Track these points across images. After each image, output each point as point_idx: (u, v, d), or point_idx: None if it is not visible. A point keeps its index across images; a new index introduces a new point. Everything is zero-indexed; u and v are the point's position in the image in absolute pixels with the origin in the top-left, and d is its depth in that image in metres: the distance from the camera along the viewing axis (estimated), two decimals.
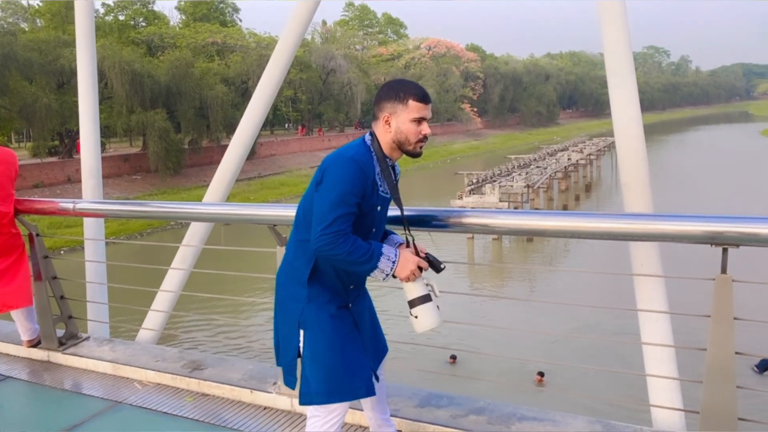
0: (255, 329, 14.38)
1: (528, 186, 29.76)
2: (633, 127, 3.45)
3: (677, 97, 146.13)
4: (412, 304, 2.16)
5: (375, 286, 2.46)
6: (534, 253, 23.87)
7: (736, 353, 2.17)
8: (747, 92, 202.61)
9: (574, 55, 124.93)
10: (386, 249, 2.12)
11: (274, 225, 3.10)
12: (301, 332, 2.16)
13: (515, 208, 25.96)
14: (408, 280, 2.14)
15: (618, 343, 11.94)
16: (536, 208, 30.00)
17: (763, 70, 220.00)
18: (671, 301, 3.20)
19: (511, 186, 28.81)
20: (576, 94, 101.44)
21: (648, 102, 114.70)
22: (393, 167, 2.26)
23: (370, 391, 2.17)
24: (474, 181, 31.22)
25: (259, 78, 5.13)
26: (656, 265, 3.14)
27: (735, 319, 2.16)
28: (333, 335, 2.15)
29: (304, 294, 2.17)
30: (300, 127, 55.71)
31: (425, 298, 2.15)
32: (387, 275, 2.10)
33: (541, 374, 11.76)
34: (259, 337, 13.51)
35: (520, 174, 33.43)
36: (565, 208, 31.67)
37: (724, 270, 2.19)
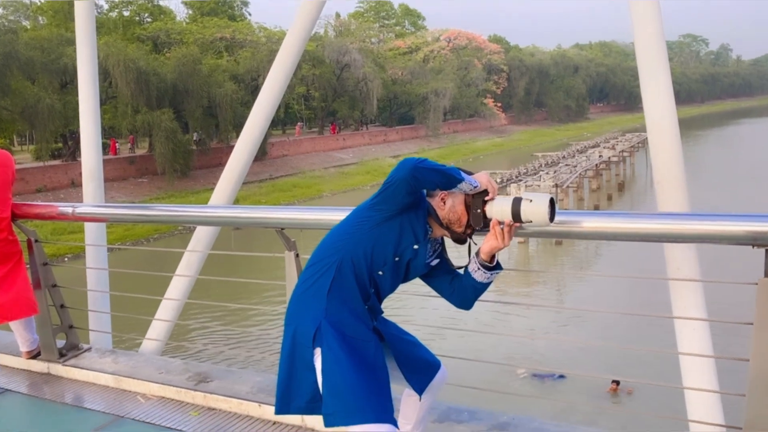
0: (264, 339, 14.43)
1: (556, 185, 29.55)
2: (667, 121, 3.39)
3: (717, 89, 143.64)
4: (516, 209, 2.13)
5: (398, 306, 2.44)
6: (563, 256, 23.68)
7: None
8: None
9: (605, 45, 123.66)
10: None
11: (282, 228, 3.10)
12: (317, 350, 2.14)
13: None
14: (490, 183, 2.17)
15: (653, 353, 11.77)
16: (565, 209, 29.67)
17: None
18: (710, 308, 3.14)
19: (539, 185, 28.63)
20: (607, 86, 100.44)
21: (685, 94, 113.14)
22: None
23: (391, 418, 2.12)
24: (498, 180, 31.08)
25: None
26: (693, 269, 3.08)
27: None
28: (352, 352, 2.12)
29: (322, 308, 2.16)
30: (297, 125, 55.81)
31: (518, 200, 2.14)
32: (475, 186, 2.15)
33: (617, 382, 11.68)
34: (268, 347, 13.56)
35: (547, 172, 33.22)
36: (596, 208, 31.37)
37: (767, 273, 2.13)
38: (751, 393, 2.14)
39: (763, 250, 2.13)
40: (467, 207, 2.20)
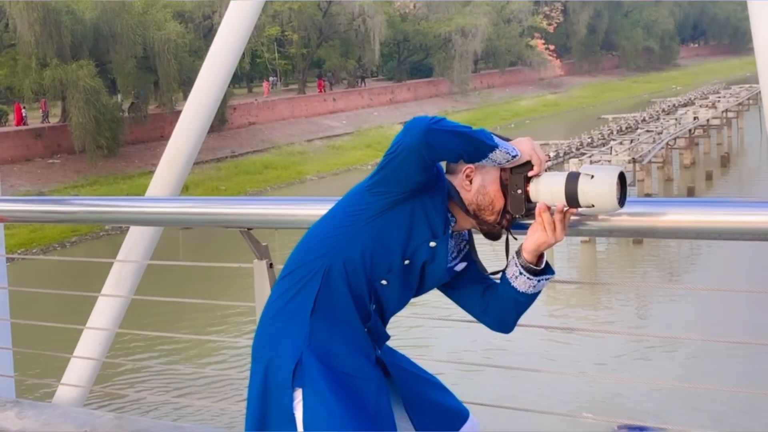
0: (227, 382, 14.47)
1: (634, 160, 29.43)
2: None
3: None
4: (572, 189, 2.09)
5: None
6: (644, 261, 23.60)
7: None
8: None
9: None
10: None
11: (249, 229, 3.10)
12: (298, 393, 2.14)
13: None
14: (535, 152, 2.12)
15: None
16: (648, 194, 29.72)
17: None
18: None
19: (609, 161, 28.52)
20: (704, 19, 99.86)
21: None
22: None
23: None
24: (552, 154, 31.04)
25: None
26: None
27: None
28: (346, 394, 2.13)
29: (304, 334, 2.16)
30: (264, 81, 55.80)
31: (574, 176, 2.10)
32: (513, 156, 2.10)
33: None
34: (232, 393, 13.59)
35: (621, 143, 33.10)
36: (690, 192, 31.29)
37: None
38: None
39: None
40: (503, 187, 2.17)
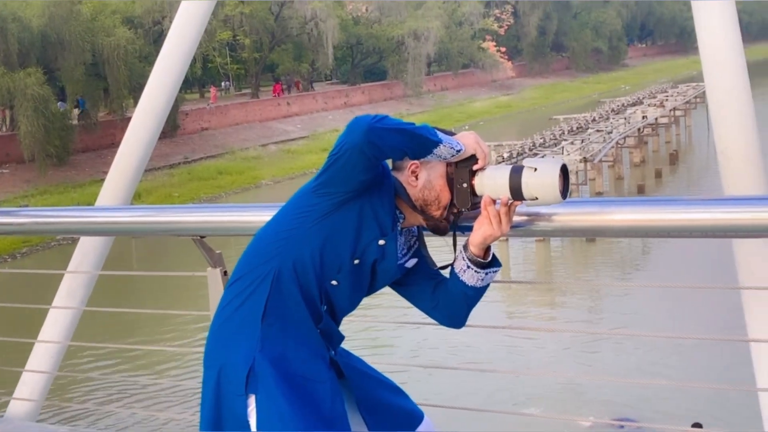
0: (180, 390, 14.33)
1: (585, 160, 29.80)
2: (732, 66, 3.45)
3: None
4: (516, 182, 2.10)
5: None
6: (598, 258, 23.89)
7: None
8: None
9: None
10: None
11: (202, 236, 3.07)
12: (251, 399, 2.13)
13: None
14: (479, 146, 2.14)
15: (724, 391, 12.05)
16: (599, 192, 30.13)
17: None
18: None
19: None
20: (651, 20, 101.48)
21: (758, 27, 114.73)
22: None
23: None
24: (506, 155, 31.29)
25: None
26: None
27: None
28: (299, 398, 2.11)
29: (256, 338, 2.14)
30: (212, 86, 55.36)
31: (518, 169, 2.12)
32: (458, 150, 2.11)
33: (699, 425, 11.90)
34: (186, 400, 13.46)
35: (572, 143, 33.53)
36: (641, 189, 31.80)
37: None
38: None
39: None
40: (449, 181, 2.18)
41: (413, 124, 2.09)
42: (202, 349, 2.29)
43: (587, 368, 15.09)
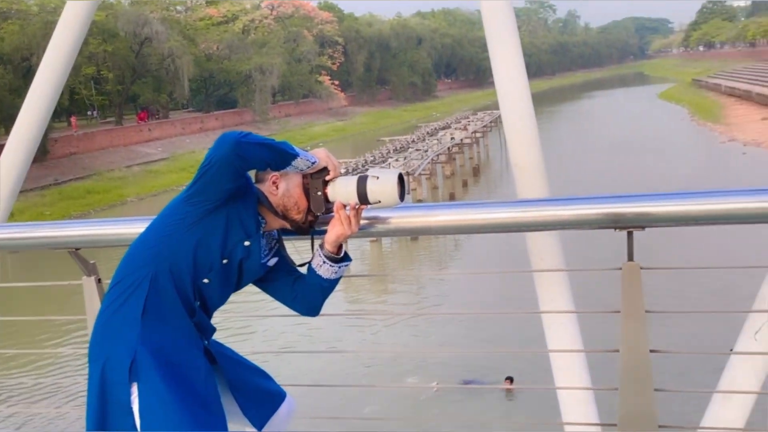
0: (60, 388, 13.47)
1: (408, 173, 30.53)
2: (520, 97, 3.64)
3: (567, 60, 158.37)
4: (362, 189, 2.16)
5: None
6: (421, 253, 24.57)
7: (651, 351, 2.36)
8: (641, 51, 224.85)
9: (449, 13, 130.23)
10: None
11: (77, 249, 2.91)
12: (134, 387, 2.04)
13: None
14: (330, 159, 2.20)
15: (526, 355, 12.63)
16: (419, 200, 30.96)
17: (656, 24, 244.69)
18: (580, 298, 3.44)
19: None
20: (454, 60, 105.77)
21: (535, 67, 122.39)
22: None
23: None
24: (342, 171, 31.47)
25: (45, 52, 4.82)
26: (557, 258, 3.35)
27: (647, 312, 2.34)
28: (177, 384, 2.05)
29: (136, 333, 2.05)
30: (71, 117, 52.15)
31: (363, 178, 2.18)
32: (312, 162, 2.15)
33: (511, 379, 12.29)
34: (68, 397, 12.66)
35: (396, 159, 34.25)
36: (452, 197, 32.95)
37: (630, 257, 2.36)
38: (623, 386, 2.37)
39: (625, 233, 2.35)
40: (305, 190, 2.21)
41: (273, 140, 2.10)
42: (77, 349, 2.17)
43: (418, 340, 15.49)
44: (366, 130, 67.13)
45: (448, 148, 39.92)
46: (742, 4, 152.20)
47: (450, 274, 21.05)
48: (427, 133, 48.80)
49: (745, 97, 61.24)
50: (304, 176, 2.20)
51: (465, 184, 37.10)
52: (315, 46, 71.54)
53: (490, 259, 20.64)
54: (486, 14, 3.69)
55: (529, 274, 3.45)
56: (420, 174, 32.75)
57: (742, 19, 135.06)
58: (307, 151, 2.18)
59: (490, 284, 17.51)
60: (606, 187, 28.85)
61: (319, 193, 2.20)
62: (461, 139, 42.85)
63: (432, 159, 36.28)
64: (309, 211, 2.22)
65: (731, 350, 3.30)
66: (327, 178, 2.20)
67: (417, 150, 38.30)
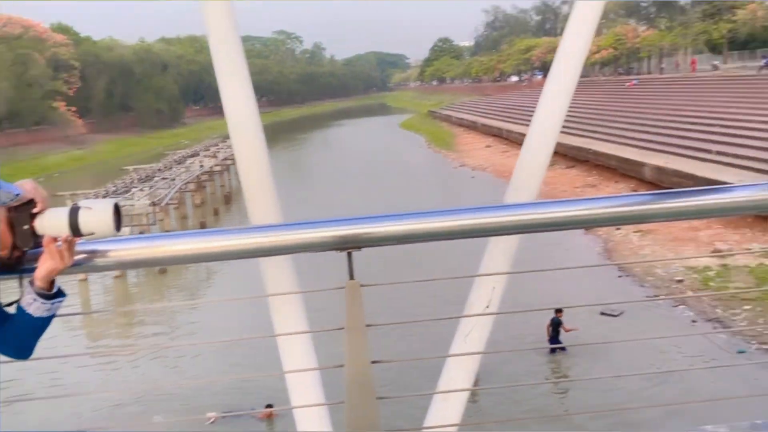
0: None
1: (154, 203, 29.34)
2: (250, 126, 3.71)
3: (316, 89, 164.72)
4: (74, 221, 2.03)
5: None
6: (172, 286, 23.67)
7: (373, 362, 2.53)
8: (383, 83, 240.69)
9: (195, 40, 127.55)
10: None
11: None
12: None
13: (141, 233, 25.31)
14: (37, 191, 2.05)
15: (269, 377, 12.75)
16: (167, 230, 29.82)
17: (395, 59, 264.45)
18: (316, 319, 3.54)
19: (132, 206, 27.97)
20: (202, 86, 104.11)
21: (286, 95, 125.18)
22: None
23: None
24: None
25: None
26: (291, 281, 3.44)
27: (367, 326, 2.51)
28: None
29: None
30: None
31: (75, 209, 2.06)
32: (16, 194, 2.00)
33: (270, 406, 12.06)
34: None
35: (141, 189, 32.78)
36: (203, 225, 32.24)
37: (351, 276, 2.52)
38: (349, 398, 2.51)
39: (345, 254, 2.51)
40: (11, 224, 2.06)
41: None
42: None
43: (166, 372, 14.85)
44: (108, 159, 63.42)
45: (198, 176, 39.18)
46: (466, 44, 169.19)
47: (200, 302, 20.50)
48: (175, 161, 47.47)
49: (472, 127, 68.32)
50: (9, 210, 2.04)
51: (216, 212, 36.60)
52: (48, 70, 66.22)
53: (247, 284, 20.47)
54: (214, 43, 3.69)
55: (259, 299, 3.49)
56: (167, 204, 31.64)
57: (467, 57, 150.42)
58: (12, 184, 2.03)
59: (245, 310, 17.37)
60: (350, 209, 30.16)
61: (26, 226, 2.05)
62: (211, 167, 42.32)
63: (180, 188, 35.28)
64: (15, 246, 2.06)
65: (447, 354, 3.62)
66: (34, 210, 2.06)
67: (164, 179, 37.13)
